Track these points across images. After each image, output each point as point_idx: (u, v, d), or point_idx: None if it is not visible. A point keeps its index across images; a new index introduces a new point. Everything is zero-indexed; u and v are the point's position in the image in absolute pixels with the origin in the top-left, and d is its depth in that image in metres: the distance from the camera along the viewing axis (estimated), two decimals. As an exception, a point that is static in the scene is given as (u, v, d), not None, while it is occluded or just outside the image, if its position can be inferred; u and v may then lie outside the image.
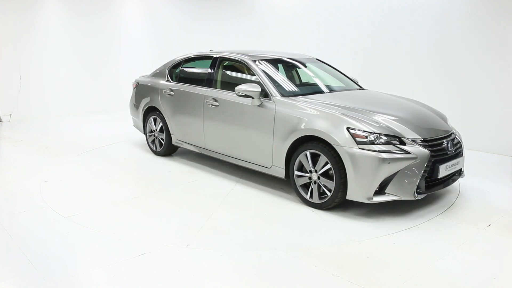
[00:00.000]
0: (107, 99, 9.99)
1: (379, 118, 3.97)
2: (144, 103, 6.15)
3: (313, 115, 4.06)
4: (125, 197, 4.42)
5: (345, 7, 7.82)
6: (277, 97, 4.42)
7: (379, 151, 3.67)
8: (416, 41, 6.95)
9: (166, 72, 6.05)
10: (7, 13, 8.41)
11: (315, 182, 4.05)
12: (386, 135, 3.76)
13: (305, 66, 5.41)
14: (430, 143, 3.88)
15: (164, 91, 5.79)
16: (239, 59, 5.02)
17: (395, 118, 4.04)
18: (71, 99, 9.46)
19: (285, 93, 4.51)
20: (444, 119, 4.45)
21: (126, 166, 5.58)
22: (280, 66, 5.26)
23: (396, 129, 3.84)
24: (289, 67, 5.41)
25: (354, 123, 3.83)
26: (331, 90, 4.94)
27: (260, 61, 4.93)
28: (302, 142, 4.13)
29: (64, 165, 5.60)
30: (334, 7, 7.99)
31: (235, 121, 4.78)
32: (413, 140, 3.80)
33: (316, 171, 4.02)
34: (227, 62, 5.26)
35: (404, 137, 3.79)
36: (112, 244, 3.39)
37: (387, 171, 3.65)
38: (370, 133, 3.74)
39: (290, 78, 5.25)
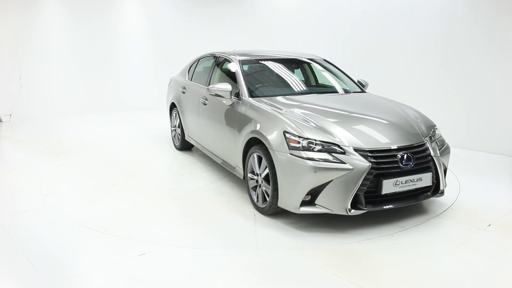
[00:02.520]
0: (107, 99, 9.99)
1: (332, 124, 3.70)
2: (169, 99, 6.59)
3: (262, 117, 3.97)
4: (125, 197, 4.42)
5: (345, 7, 7.83)
6: (245, 97, 4.41)
7: (307, 158, 3.40)
8: (416, 41, 6.95)
9: (187, 70, 6.28)
10: (7, 13, 8.40)
11: (260, 186, 3.94)
12: (324, 142, 3.48)
13: (305, 67, 5.39)
14: (375, 154, 3.47)
15: (181, 88, 6.07)
16: (229, 58, 5.08)
17: (355, 125, 3.76)
18: (71, 99, 9.45)
19: (255, 94, 4.46)
20: (422, 129, 3.92)
21: (126, 166, 5.57)
22: (274, 66, 5.17)
23: (340, 137, 3.53)
24: (286, 68, 5.20)
25: (290, 128, 3.61)
26: (318, 92, 4.80)
27: (247, 60, 4.96)
28: (254, 143, 4.01)
29: (64, 165, 5.60)
30: (336, 6, 7.99)
31: (214, 120, 4.87)
32: (356, 150, 3.46)
33: (260, 175, 3.91)
34: (223, 61, 5.32)
35: (345, 146, 3.47)
36: (112, 244, 3.39)
37: (314, 180, 3.37)
38: (305, 138, 3.50)
39: (279, 78, 5.05)
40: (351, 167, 3.37)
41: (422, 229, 3.67)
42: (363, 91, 5.01)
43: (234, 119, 4.38)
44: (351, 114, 4.09)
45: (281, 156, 3.56)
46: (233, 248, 3.32)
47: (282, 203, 3.62)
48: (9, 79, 8.61)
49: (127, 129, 7.99)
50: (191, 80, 5.94)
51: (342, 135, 3.56)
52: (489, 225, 3.77)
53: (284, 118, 3.78)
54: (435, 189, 3.83)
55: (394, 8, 7.14)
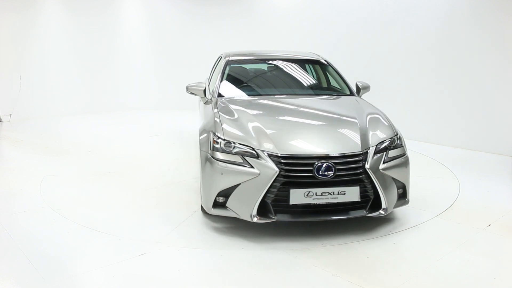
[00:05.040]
0: (107, 99, 9.98)
1: (261, 127, 3.57)
2: None
3: (206, 117, 4.04)
4: (125, 197, 4.42)
5: (345, 6, 7.83)
6: (214, 97, 4.51)
7: (217, 159, 3.39)
8: (416, 41, 6.95)
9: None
10: (7, 13, 8.40)
11: None
12: (241, 145, 3.40)
13: (298, 68, 5.24)
14: (287, 161, 3.28)
15: None
16: (223, 57, 5.20)
17: (288, 130, 3.66)
18: (71, 99, 9.45)
19: (223, 93, 4.55)
20: (367, 139, 3.55)
21: (126, 166, 5.57)
22: (265, 66, 5.19)
23: (260, 141, 3.40)
24: (276, 69, 5.16)
25: (216, 128, 3.63)
26: (296, 94, 4.71)
27: (237, 60, 5.02)
28: None
29: (64, 165, 5.59)
30: (335, 6, 7.99)
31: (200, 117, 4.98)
32: (269, 155, 3.30)
33: None
34: (220, 60, 5.50)
35: (260, 150, 3.33)
36: (112, 244, 3.39)
37: (222, 182, 3.33)
38: (223, 139, 3.47)
39: (261, 79, 5.03)
40: (258, 172, 3.24)
41: (422, 229, 3.67)
42: (352, 94, 4.72)
43: (202, 117, 4.51)
44: (298, 119, 3.97)
45: (203, 155, 3.60)
46: (230, 248, 3.32)
47: (202, 202, 3.59)
48: (9, 79, 8.61)
49: (127, 129, 8.00)
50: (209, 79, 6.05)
51: (263, 139, 3.42)
52: (489, 225, 3.77)
53: (217, 119, 3.79)
54: (375, 206, 3.46)
55: (394, 8, 7.14)
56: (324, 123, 3.92)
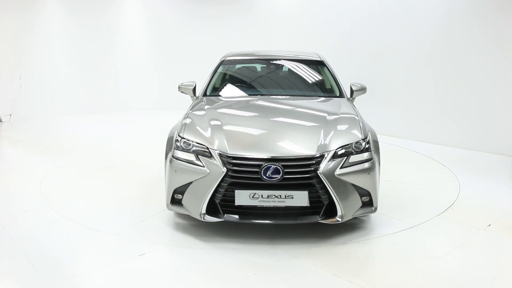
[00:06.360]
0: (107, 99, 9.99)
1: (219, 126, 3.57)
2: None
3: (181, 116, 4.05)
4: (125, 198, 4.42)
5: (345, 5, 7.83)
6: (200, 95, 4.59)
7: (176, 158, 3.46)
8: (417, 40, 6.95)
9: None
10: (7, 13, 8.40)
11: None
12: (198, 144, 3.44)
13: (292, 68, 5.16)
14: (236, 162, 3.25)
15: None
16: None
17: (247, 130, 3.69)
18: (71, 99, 9.45)
19: (208, 93, 4.64)
20: (325, 142, 3.39)
21: (126, 166, 5.57)
22: (258, 67, 5.19)
23: (215, 140, 3.40)
24: (267, 68, 5.14)
25: (181, 127, 3.68)
26: (278, 94, 4.59)
27: (233, 60, 5.05)
28: None
29: (64, 165, 5.59)
30: (335, 6, 7.99)
31: None
32: (220, 155, 3.30)
33: None
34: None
35: (213, 149, 3.34)
36: (112, 244, 3.39)
37: (177, 180, 3.42)
38: (182, 138, 3.54)
39: (250, 79, 5.03)
40: (207, 171, 3.27)
41: (422, 229, 3.67)
42: (341, 96, 4.54)
43: None
44: (263, 120, 3.90)
45: (166, 153, 3.67)
46: (230, 248, 3.32)
47: (165, 199, 3.63)
48: (9, 79, 8.61)
49: (127, 129, 8.00)
50: None
51: (219, 139, 3.41)
52: (489, 225, 3.77)
53: (186, 118, 3.84)
54: (332, 212, 3.32)
55: (393, 8, 7.14)
56: (287, 125, 3.81)
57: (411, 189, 4.68)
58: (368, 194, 3.43)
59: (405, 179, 5.04)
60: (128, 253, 3.22)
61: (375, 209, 3.51)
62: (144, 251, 3.26)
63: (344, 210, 3.30)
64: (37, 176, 5.08)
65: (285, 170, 3.19)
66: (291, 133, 3.60)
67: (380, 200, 4.30)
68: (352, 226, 3.70)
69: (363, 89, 4.66)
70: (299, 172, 3.23)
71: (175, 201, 3.51)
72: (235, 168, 3.24)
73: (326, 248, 3.32)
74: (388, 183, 4.79)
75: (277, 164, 3.19)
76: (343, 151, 3.37)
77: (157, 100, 10.13)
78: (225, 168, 3.23)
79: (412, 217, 3.91)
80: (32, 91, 8.89)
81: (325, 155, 3.29)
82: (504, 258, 3.22)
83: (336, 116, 3.81)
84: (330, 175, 3.23)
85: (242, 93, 4.71)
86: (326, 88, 4.81)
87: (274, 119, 3.95)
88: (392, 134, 7.18)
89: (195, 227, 3.69)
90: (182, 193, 3.43)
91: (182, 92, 4.80)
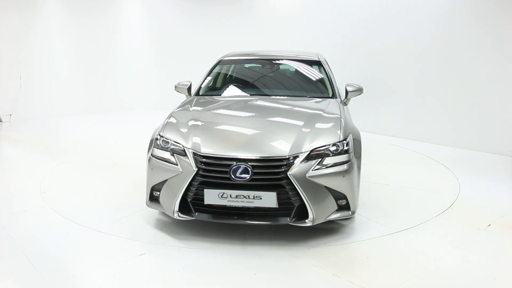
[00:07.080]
0: (107, 99, 9.99)
1: (197, 125, 3.61)
2: None
3: (168, 116, 4.07)
4: (125, 198, 4.41)
5: (345, 5, 7.83)
6: (193, 95, 4.64)
7: (155, 156, 3.52)
8: (416, 40, 6.95)
9: None
10: (7, 13, 8.40)
11: None
12: (175, 142, 3.46)
13: (286, 68, 5.17)
14: (207, 161, 3.26)
15: None
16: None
17: (226, 129, 3.72)
18: (71, 99, 9.45)
19: (201, 92, 4.69)
20: (299, 143, 3.33)
21: (126, 166, 5.57)
22: (254, 67, 5.20)
23: (191, 139, 3.43)
24: (262, 69, 5.12)
25: (162, 126, 3.72)
26: (267, 94, 4.58)
27: (230, 60, 5.07)
28: None
29: (64, 165, 5.59)
30: (336, 5, 7.99)
31: None
32: (194, 154, 3.32)
33: None
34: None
35: (188, 148, 3.36)
36: (112, 244, 3.39)
37: (153, 177, 3.49)
38: (161, 136, 3.58)
39: (243, 79, 5.08)
40: (180, 169, 3.31)
41: (422, 229, 3.67)
42: (334, 97, 4.45)
43: None
44: (241, 120, 3.93)
45: (148, 151, 3.70)
46: (230, 248, 3.32)
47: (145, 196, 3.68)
48: (9, 79, 8.61)
49: (127, 129, 8.00)
50: None
51: (195, 138, 3.44)
52: (489, 225, 3.77)
53: (169, 117, 3.86)
54: (302, 215, 3.26)
55: (393, 8, 7.14)
56: (265, 126, 3.76)
57: (411, 189, 4.68)
58: (344, 197, 3.33)
59: (405, 178, 5.04)
60: (128, 253, 3.22)
61: (353, 212, 3.40)
62: (144, 251, 3.26)
63: (315, 213, 3.23)
64: (37, 176, 5.08)
65: (254, 171, 3.17)
66: (268, 133, 3.56)
67: (380, 200, 4.32)
68: (352, 226, 3.70)
69: (359, 90, 4.57)
70: (267, 173, 3.20)
71: (153, 198, 3.57)
72: (205, 167, 3.26)
73: (326, 248, 3.32)
74: (388, 183, 4.80)
75: (246, 164, 3.18)
76: (318, 152, 3.30)
77: (157, 100, 10.12)
78: (196, 167, 3.26)
79: (412, 217, 3.91)
80: (32, 91, 8.89)
81: (299, 156, 3.24)
82: (504, 258, 3.22)
83: (318, 117, 3.76)
84: (301, 177, 3.18)
85: (234, 93, 4.73)
86: (319, 88, 4.71)
87: (255, 119, 3.95)
88: (392, 134, 7.19)
89: (197, 228, 3.69)
90: (159, 191, 3.48)
91: (178, 91, 4.84)
